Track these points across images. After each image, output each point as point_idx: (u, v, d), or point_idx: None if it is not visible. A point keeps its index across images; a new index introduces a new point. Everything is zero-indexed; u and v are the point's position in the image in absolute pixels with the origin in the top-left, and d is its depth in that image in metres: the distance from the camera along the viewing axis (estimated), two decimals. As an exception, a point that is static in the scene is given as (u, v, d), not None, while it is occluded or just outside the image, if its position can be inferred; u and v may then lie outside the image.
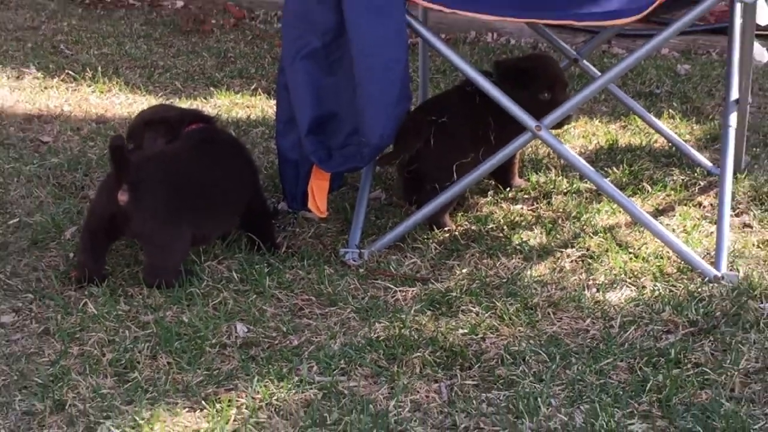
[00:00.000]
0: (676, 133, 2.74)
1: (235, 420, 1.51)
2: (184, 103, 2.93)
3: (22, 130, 2.81)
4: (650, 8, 1.93)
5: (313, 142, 2.00)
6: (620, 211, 2.21)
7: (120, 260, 2.04)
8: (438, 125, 2.11)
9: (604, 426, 1.46)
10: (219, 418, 1.51)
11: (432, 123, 2.11)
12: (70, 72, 3.29)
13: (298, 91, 2.00)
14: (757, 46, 2.40)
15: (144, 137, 2.02)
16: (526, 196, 2.39)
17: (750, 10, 2.11)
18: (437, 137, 2.09)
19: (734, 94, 2.13)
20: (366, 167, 2.13)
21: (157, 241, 1.86)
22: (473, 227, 2.27)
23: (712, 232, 2.10)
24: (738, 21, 2.11)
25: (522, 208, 2.34)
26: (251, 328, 1.78)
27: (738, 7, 2.06)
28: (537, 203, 2.38)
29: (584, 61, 2.66)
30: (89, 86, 3.19)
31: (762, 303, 1.86)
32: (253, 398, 1.56)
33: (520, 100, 2.02)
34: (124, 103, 3.08)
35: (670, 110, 3.02)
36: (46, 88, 3.19)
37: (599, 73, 2.45)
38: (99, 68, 3.31)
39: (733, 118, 2.12)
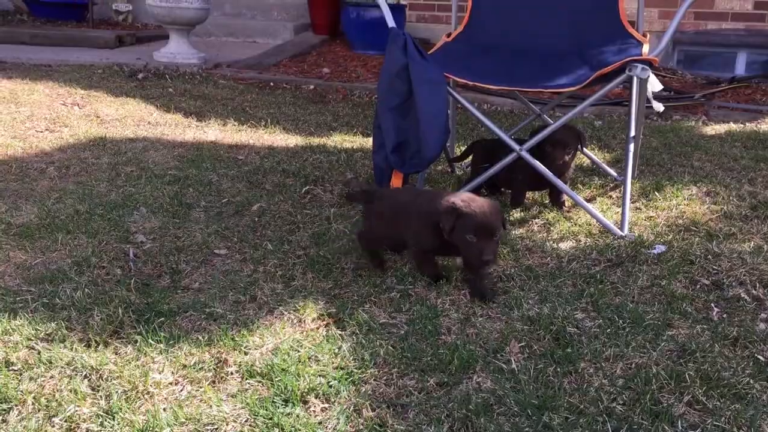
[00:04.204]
0: (596, 157, 3.66)
1: (350, 307, 2.24)
2: (315, 140, 4.10)
3: (227, 152, 3.83)
4: (584, 84, 2.78)
5: (395, 156, 2.81)
6: (567, 199, 3.06)
7: (282, 230, 2.90)
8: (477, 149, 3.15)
9: (561, 314, 2.13)
10: (342, 306, 2.25)
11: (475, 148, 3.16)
12: (253, 122, 4.51)
13: (386, 128, 2.81)
14: (655, 103, 3.18)
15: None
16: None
17: (643, 82, 2.95)
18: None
19: (632, 132, 2.96)
20: (421, 172, 2.97)
21: None
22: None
23: (617, 212, 2.94)
24: (635, 87, 2.87)
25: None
26: (358, 259, 2.57)
27: (635, 80, 2.81)
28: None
29: (544, 115, 3.60)
30: (263, 130, 4.37)
31: (648, 250, 2.56)
32: (360, 295, 2.32)
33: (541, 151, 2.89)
34: (282, 139, 4.19)
35: (591, 145, 4.04)
36: (239, 130, 4.34)
37: (552, 122, 3.09)
38: (268, 120, 4.58)
39: (630, 147, 2.93)
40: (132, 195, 3.13)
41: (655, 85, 2.91)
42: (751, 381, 1.85)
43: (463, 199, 2.24)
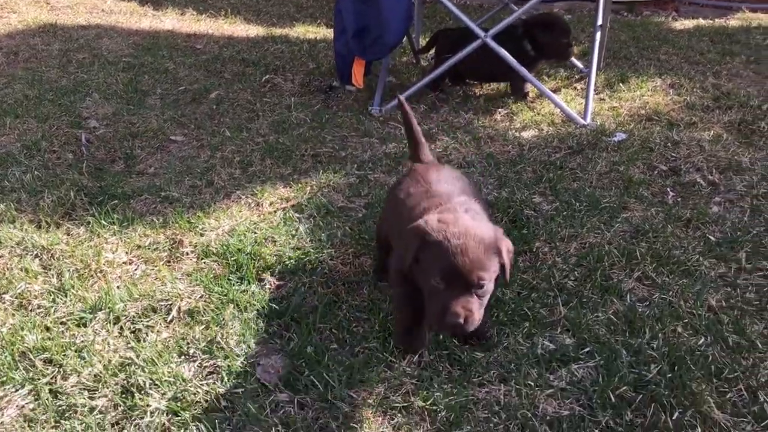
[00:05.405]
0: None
1: (309, 192, 2.24)
2: (277, 30, 3.94)
3: (184, 41, 3.69)
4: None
5: (356, 42, 2.74)
6: (532, 89, 3.03)
7: (241, 117, 2.87)
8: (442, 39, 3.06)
9: (519, 198, 2.21)
10: (300, 191, 2.25)
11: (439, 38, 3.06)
12: (212, 12, 4.34)
13: (346, 13, 2.72)
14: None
15: None
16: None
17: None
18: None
19: (600, 21, 2.95)
20: (384, 59, 2.90)
21: None
22: (445, 97, 3.06)
23: (581, 103, 2.92)
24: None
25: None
26: (318, 146, 2.55)
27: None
28: (484, 86, 3.17)
29: (511, 4, 3.48)
30: (223, 20, 4.21)
31: (609, 138, 2.60)
32: (319, 181, 2.31)
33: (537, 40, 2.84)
34: (243, 29, 4.04)
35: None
36: (198, 20, 4.18)
37: (517, 9, 3.01)
38: (229, 10, 4.40)
39: (597, 36, 2.92)
40: (84, 81, 3.02)
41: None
42: (701, 258, 1.88)
43: (442, 219, 1.39)
